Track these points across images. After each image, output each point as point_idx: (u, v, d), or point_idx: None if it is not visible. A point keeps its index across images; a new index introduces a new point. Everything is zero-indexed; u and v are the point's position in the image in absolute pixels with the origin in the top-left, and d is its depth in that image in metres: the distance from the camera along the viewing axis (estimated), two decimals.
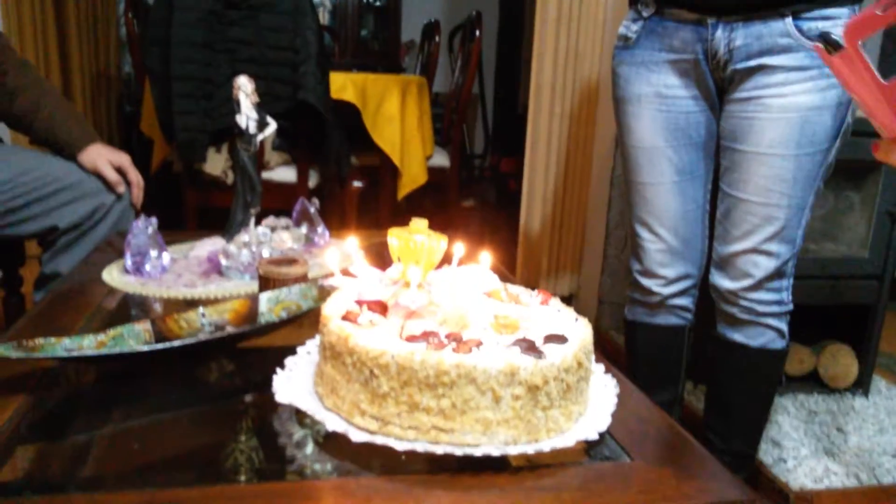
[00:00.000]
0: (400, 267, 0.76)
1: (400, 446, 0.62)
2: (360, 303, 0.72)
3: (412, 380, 0.62)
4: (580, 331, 0.71)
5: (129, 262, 1.19)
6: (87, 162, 1.53)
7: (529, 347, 0.66)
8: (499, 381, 0.62)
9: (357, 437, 0.64)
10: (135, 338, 0.80)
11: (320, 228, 1.42)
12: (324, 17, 5.15)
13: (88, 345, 0.77)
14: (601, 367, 0.82)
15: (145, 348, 0.77)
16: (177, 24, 2.09)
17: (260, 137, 1.27)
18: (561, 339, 0.68)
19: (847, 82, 0.57)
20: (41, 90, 1.56)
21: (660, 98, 1.38)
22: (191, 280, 1.19)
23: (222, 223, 1.33)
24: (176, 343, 0.77)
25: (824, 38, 0.56)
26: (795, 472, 1.64)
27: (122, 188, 1.56)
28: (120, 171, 1.57)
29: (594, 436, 0.67)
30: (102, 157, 1.54)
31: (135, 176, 1.59)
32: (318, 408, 0.69)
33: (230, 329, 0.88)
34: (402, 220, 0.78)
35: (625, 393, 0.77)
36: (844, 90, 0.57)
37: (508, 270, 1.17)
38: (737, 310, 1.39)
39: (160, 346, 0.76)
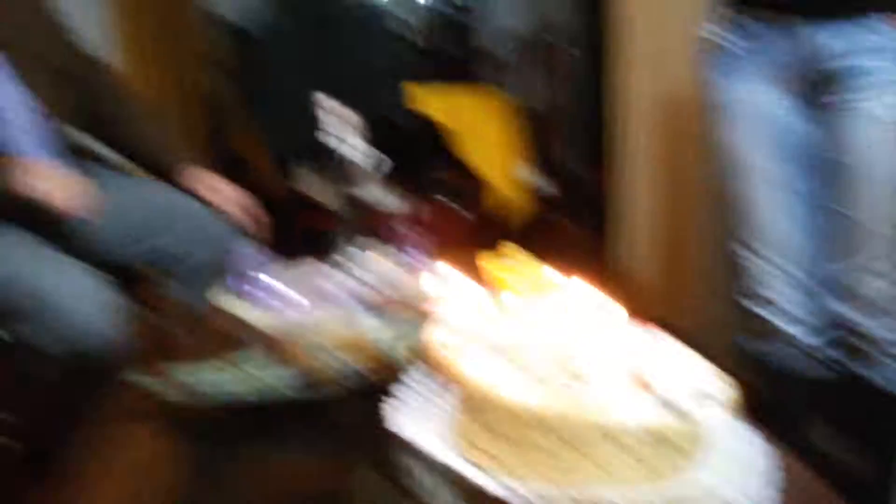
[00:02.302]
0: (499, 294, 0.76)
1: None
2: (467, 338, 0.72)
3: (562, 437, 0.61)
4: (719, 385, 0.68)
5: (239, 286, 1.24)
6: (213, 201, 1.57)
7: (670, 404, 0.64)
8: (644, 440, 0.61)
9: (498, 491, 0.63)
10: (276, 380, 0.84)
11: (417, 252, 1.44)
12: (403, 30, 5.17)
13: (233, 383, 0.82)
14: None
15: (297, 396, 0.82)
16: (272, 44, 2.16)
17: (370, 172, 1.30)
18: (704, 396, 0.66)
19: None
20: (145, 120, 1.61)
21: (756, 107, 1.34)
22: (300, 307, 1.22)
23: (326, 246, 1.37)
24: (323, 391, 0.82)
25: None
26: None
27: (247, 227, 1.60)
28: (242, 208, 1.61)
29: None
30: (229, 200, 1.58)
31: (259, 216, 1.64)
32: (459, 460, 0.68)
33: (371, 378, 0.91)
34: (493, 241, 0.78)
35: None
36: None
37: (608, 295, 1.14)
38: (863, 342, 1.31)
39: (309, 394, 0.82)
